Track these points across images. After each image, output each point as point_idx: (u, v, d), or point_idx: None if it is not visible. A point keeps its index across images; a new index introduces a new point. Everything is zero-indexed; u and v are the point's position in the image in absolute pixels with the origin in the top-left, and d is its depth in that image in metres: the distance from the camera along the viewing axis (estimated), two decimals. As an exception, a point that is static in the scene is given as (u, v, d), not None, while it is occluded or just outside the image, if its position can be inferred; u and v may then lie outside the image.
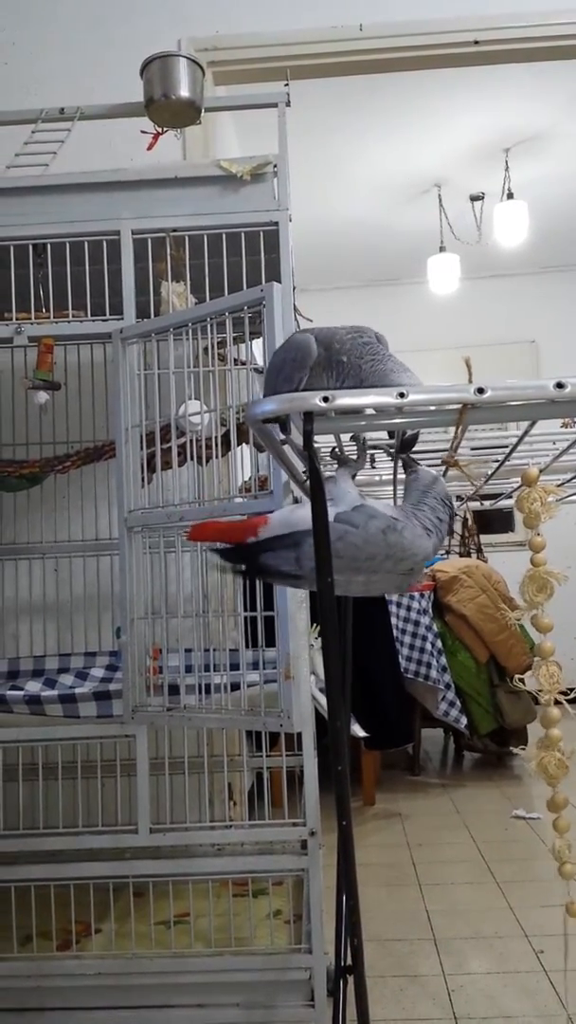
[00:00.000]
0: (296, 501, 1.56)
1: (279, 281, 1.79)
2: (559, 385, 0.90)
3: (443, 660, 4.10)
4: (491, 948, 2.34)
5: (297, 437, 1.03)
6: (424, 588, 4.26)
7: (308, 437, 0.96)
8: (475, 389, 0.91)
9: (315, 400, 0.93)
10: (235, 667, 1.72)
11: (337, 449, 1.20)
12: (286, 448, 1.14)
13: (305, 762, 1.59)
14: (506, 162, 4.85)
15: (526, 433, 1.09)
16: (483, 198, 5.28)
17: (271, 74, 2.65)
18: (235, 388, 1.86)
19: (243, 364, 2.01)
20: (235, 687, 1.64)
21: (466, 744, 4.52)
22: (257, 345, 2.09)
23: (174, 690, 1.67)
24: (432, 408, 0.94)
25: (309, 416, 0.95)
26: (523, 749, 1.24)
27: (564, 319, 6.59)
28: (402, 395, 0.92)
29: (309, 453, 0.96)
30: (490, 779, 4.24)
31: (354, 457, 1.19)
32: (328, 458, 1.24)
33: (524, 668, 4.25)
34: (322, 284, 6.34)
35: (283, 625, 1.50)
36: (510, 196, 4.95)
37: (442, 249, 5.45)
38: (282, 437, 1.03)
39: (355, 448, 1.22)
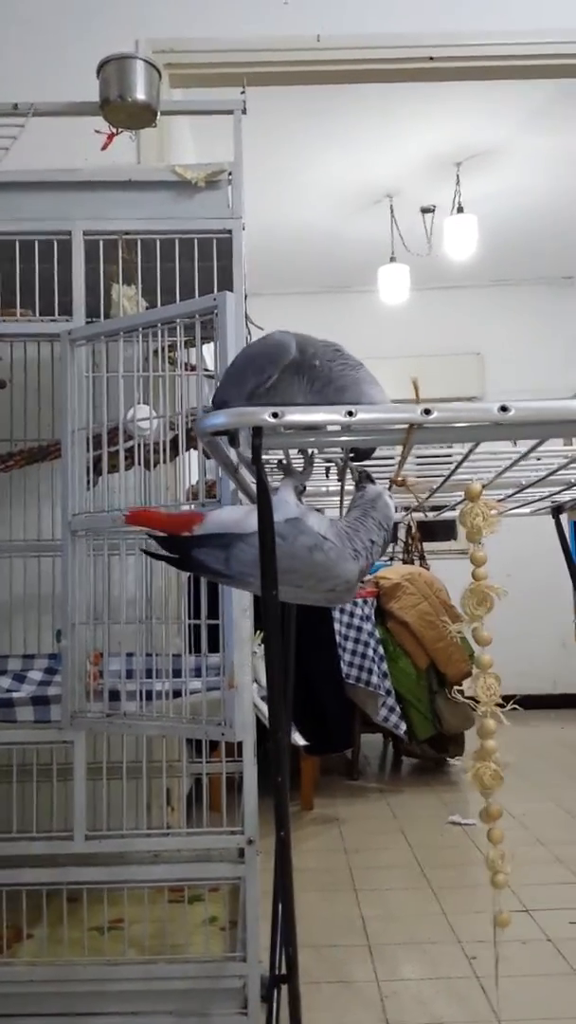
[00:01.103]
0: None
1: (231, 288, 1.80)
2: (503, 408, 0.92)
3: (384, 666, 4.14)
4: (424, 954, 2.36)
5: (246, 449, 1.04)
6: (367, 595, 4.29)
7: (256, 452, 0.96)
8: (422, 410, 0.92)
9: (264, 415, 0.94)
10: (177, 673, 1.72)
11: (284, 460, 1.21)
12: (235, 459, 1.14)
13: (245, 770, 1.60)
14: (457, 176, 4.92)
15: (470, 452, 1.11)
16: (434, 211, 5.35)
17: (228, 79, 2.65)
18: (185, 393, 1.85)
19: (193, 369, 2.01)
20: (177, 694, 1.64)
21: (405, 749, 4.56)
22: (208, 349, 2.09)
23: (115, 696, 1.66)
24: (380, 427, 0.95)
25: (258, 431, 0.96)
26: (459, 760, 1.26)
27: (510, 333, 6.70)
28: (351, 413, 0.93)
29: (257, 467, 0.97)
30: (427, 784, 4.29)
31: (300, 469, 1.20)
32: (276, 469, 1.25)
33: (463, 675, 4.31)
34: (274, 289, 6.35)
35: (228, 634, 1.51)
36: (460, 210, 5.02)
37: (392, 259, 5.50)
38: (231, 451, 1.04)
39: (303, 460, 1.23)
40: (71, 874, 1.61)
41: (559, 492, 1.56)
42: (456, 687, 1.31)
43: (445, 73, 2.80)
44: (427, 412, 0.93)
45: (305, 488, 1.25)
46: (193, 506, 1.76)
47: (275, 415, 0.94)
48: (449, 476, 1.29)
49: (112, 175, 1.79)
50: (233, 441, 1.02)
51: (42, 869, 1.61)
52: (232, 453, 1.08)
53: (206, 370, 2.16)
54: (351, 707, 4.09)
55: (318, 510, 1.19)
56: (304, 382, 1.10)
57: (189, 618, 1.73)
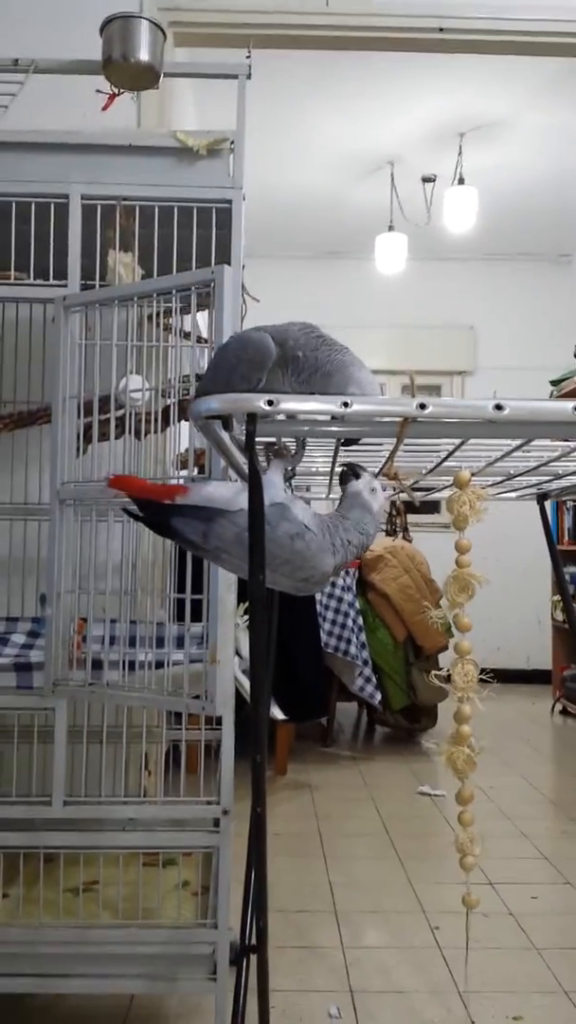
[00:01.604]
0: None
1: (229, 258, 1.78)
2: (498, 407, 0.93)
3: (363, 637, 4.18)
4: (389, 922, 2.42)
5: (239, 432, 1.04)
6: (349, 565, 4.32)
7: (250, 438, 0.97)
8: (417, 404, 0.93)
9: (259, 402, 0.94)
10: (160, 642, 1.73)
11: (277, 445, 1.21)
12: (227, 440, 1.14)
13: (223, 742, 1.61)
14: (460, 147, 4.87)
15: (463, 443, 1.11)
16: (435, 180, 5.30)
17: (234, 40, 2.60)
18: (178, 361, 1.85)
19: (188, 336, 1.99)
20: (159, 665, 1.65)
21: (378, 719, 4.62)
22: (202, 317, 2.07)
23: (97, 664, 1.67)
24: (374, 419, 0.96)
25: (252, 417, 0.96)
26: (434, 743, 1.28)
27: (503, 308, 6.68)
28: (346, 404, 0.94)
29: (250, 454, 0.97)
30: (399, 754, 4.35)
31: (292, 452, 1.21)
32: (266, 451, 1.25)
33: (440, 648, 4.37)
34: (270, 251, 6.29)
35: (212, 608, 1.52)
36: (461, 181, 4.97)
37: (391, 228, 5.45)
38: (224, 434, 1.04)
39: (295, 443, 1.23)
40: (48, 838, 1.64)
41: (547, 482, 1.58)
42: (434, 672, 1.33)
43: (454, 45, 2.76)
44: (422, 407, 0.93)
45: (295, 472, 1.26)
46: (182, 477, 1.76)
47: (270, 403, 0.94)
48: (438, 464, 1.30)
49: (112, 139, 1.76)
50: (227, 425, 1.02)
51: (20, 833, 1.63)
52: (225, 435, 1.08)
53: (201, 338, 2.15)
54: (328, 675, 4.13)
55: (305, 500, 1.20)
56: (288, 374, 1.09)
57: (174, 590, 1.74)
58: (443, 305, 6.68)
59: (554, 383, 5.70)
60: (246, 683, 1.87)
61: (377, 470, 1.28)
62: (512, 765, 4.15)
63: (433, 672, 1.41)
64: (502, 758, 4.26)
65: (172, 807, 1.64)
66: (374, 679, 4.17)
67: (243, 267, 1.87)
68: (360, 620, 4.19)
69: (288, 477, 1.20)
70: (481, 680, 1.36)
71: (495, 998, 1.96)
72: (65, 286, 1.75)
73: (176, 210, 1.75)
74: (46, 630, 1.68)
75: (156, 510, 1.17)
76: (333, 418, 0.97)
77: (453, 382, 6.80)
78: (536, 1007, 1.93)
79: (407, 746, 4.51)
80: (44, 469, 2.25)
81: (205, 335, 2.04)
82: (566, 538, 5.61)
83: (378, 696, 4.18)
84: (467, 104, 4.48)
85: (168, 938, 1.61)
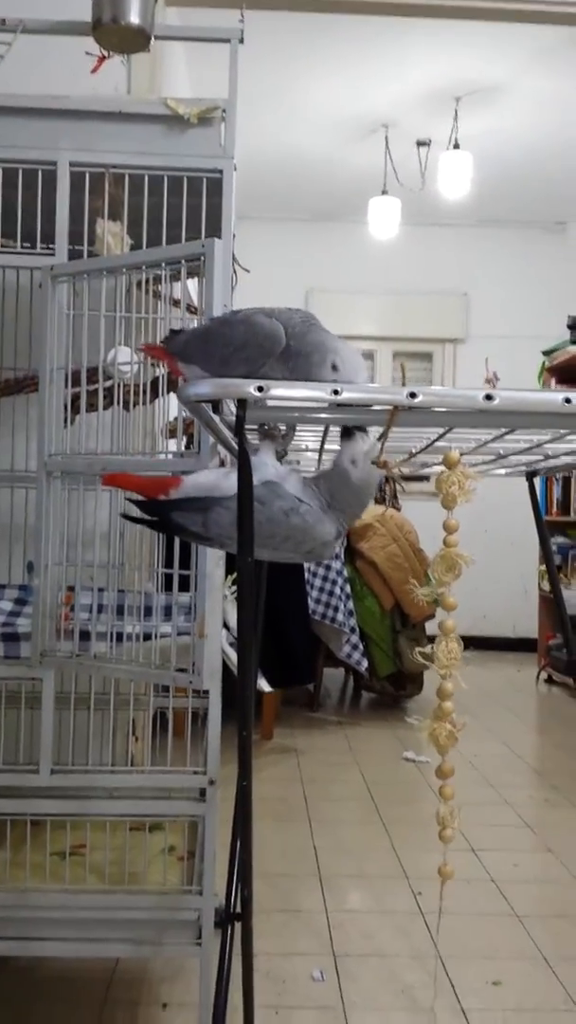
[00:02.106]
0: (223, 463, 1.57)
1: (219, 229, 1.76)
2: (488, 397, 0.92)
3: (350, 604, 4.21)
4: (372, 887, 2.47)
5: (229, 415, 1.04)
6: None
7: (240, 423, 0.97)
8: (408, 393, 0.92)
9: (249, 388, 0.94)
10: (148, 611, 1.74)
11: (267, 425, 1.21)
12: (216, 419, 1.14)
13: (210, 713, 1.63)
14: (456, 111, 4.80)
15: (447, 431, 1.11)
16: (429, 144, 5.24)
17: (227, 1, 2.54)
18: (167, 322, 1.83)
19: (177, 303, 1.98)
20: (147, 637, 1.66)
21: (365, 685, 4.67)
22: (192, 284, 2.05)
23: (85, 635, 1.68)
24: (364, 407, 0.95)
25: (242, 403, 0.96)
26: (418, 720, 1.31)
27: (497, 275, 6.64)
28: (336, 392, 0.94)
29: (240, 440, 0.97)
30: (384, 720, 4.40)
31: (282, 433, 1.21)
32: (258, 431, 1.25)
33: (427, 616, 4.40)
34: (262, 213, 6.22)
35: (200, 583, 1.52)
36: (456, 146, 4.92)
37: (384, 192, 5.39)
38: (214, 416, 1.03)
39: (284, 425, 1.23)
40: (35, 806, 1.65)
41: (537, 461, 1.58)
42: (418, 649, 1.35)
43: (453, 11, 2.71)
44: (412, 395, 0.93)
45: (286, 452, 1.26)
46: (172, 453, 1.76)
47: (260, 389, 0.94)
48: (428, 446, 1.30)
49: (102, 105, 1.73)
50: (216, 408, 1.02)
51: (6, 800, 1.65)
52: (215, 416, 1.08)
53: (191, 307, 2.13)
54: (315, 642, 4.16)
55: (297, 471, 1.20)
56: (281, 362, 1.09)
57: (161, 564, 1.75)
58: (436, 271, 6.63)
59: (546, 353, 5.69)
60: (233, 656, 1.88)
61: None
62: (496, 733, 4.21)
63: (417, 650, 1.42)
64: (486, 726, 4.32)
65: (159, 776, 1.66)
66: (361, 646, 4.21)
67: (233, 236, 1.85)
68: (348, 588, 4.21)
69: (279, 458, 1.20)
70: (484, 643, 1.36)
71: (475, 963, 2.01)
72: (52, 253, 1.73)
73: (166, 179, 1.73)
74: (33, 599, 1.69)
75: (155, 508, 1.18)
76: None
77: (445, 350, 6.78)
78: (515, 972, 1.98)
79: (392, 712, 4.56)
80: (31, 437, 2.25)
81: (196, 303, 2.03)
82: (554, 509, 5.64)
83: (364, 663, 4.22)
84: (464, 68, 4.41)
85: (154, 903, 1.63)
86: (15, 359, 2.23)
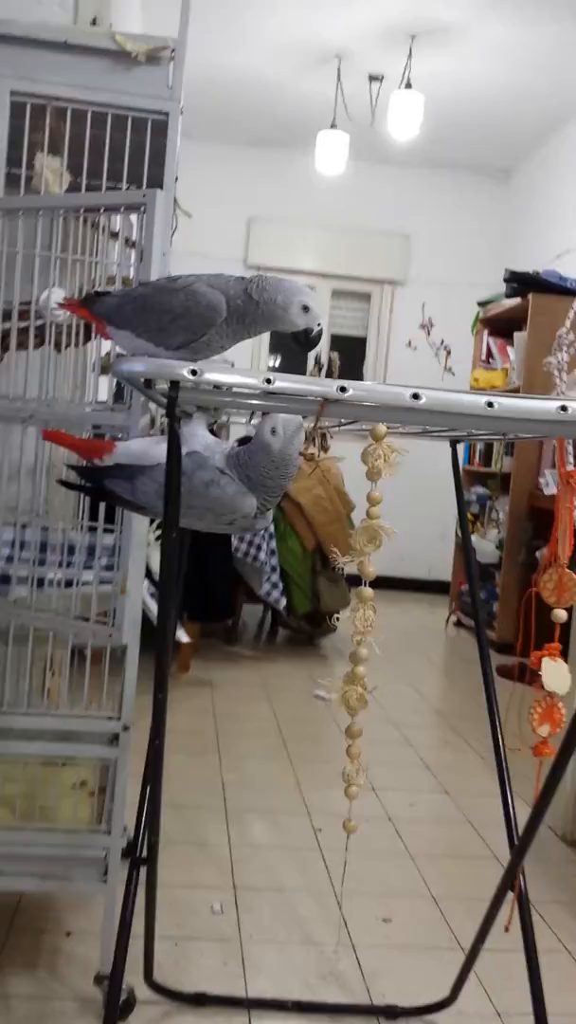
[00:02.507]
0: (153, 420, 1.58)
1: (163, 170, 1.73)
2: (415, 396, 0.95)
3: (273, 543, 4.27)
4: (276, 823, 2.57)
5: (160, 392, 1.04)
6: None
7: (171, 404, 0.98)
8: (338, 387, 0.95)
9: (183, 371, 0.95)
10: (70, 550, 1.75)
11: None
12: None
13: (126, 666, 1.66)
14: (410, 49, 4.71)
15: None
16: (382, 80, 5.14)
17: None
18: (102, 270, 1.80)
19: (116, 236, 1.94)
20: (68, 584, 1.68)
21: (282, 622, 4.77)
22: (134, 217, 2.01)
23: (5, 579, 1.68)
24: (295, 397, 0.97)
25: (175, 385, 0.97)
26: (326, 690, 1.36)
27: (440, 219, 6.63)
28: (268, 380, 0.95)
29: (170, 419, 0.98)
30: (299, 656, 4.52)
31: (214, 407, 1.22)
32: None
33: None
34: (209, 133, 6.05)
35: (125, 541, 1.54)
36: (408, 85, 4.84)
37: (333, 126, 5.29)
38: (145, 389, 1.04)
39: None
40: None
41: (463, 434, 1.62)
42: (336, 616, 1.41)
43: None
44: (343, 390, 0.95)
45: (216, 423, 1.28)
46: (99, 410, 1.74)
47: (194, 372, 0.95)
48: (354, 421, 1.33)
49: (48, 34, 1.65)
50: (148, 384, 1.03)
51: None
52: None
53: (129, 240, 2.09)
54: (236, 579, 4.22)
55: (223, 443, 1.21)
56: (233, 322, 1.10)
57: (86, 513, 1.75)
58: (380, 211, 6.58)
59: (481, 304, 5.73)
60: (153, 607, 1.91)
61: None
62: (404, 673, 4.36)
63: (335, 617, 1.48)
64: (395, 664, 4.47)
65: (75, 720, 1.70)
66: (281, 585, 4.29)
67: (176, 179, 1.82)
68: (272, 527, 4.26)
69: (210, 430, 1.22)
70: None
71: (368, 900, 2.13)
72: (-12, 188, 1.67)
73: (110, 117, 1.68)
74: (-45, 542, 1.68)
75: (90, 477, 1.19)
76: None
77: (384, 291, 6.76)
78: (404, 910, 2.10)
79: (307, 649, 4.68)
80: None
81: (135, 238, 1.99)
82: (476, 460, 5.76)
83: (283, 601, 4.30)
84: (421, 5, 4.31)
85: (63, 841, 1.69)
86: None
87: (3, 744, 1.71)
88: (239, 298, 1.12)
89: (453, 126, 5.70)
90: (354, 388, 0.96)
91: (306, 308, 1.09)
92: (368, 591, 1.52)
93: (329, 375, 5.94)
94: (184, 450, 1.11)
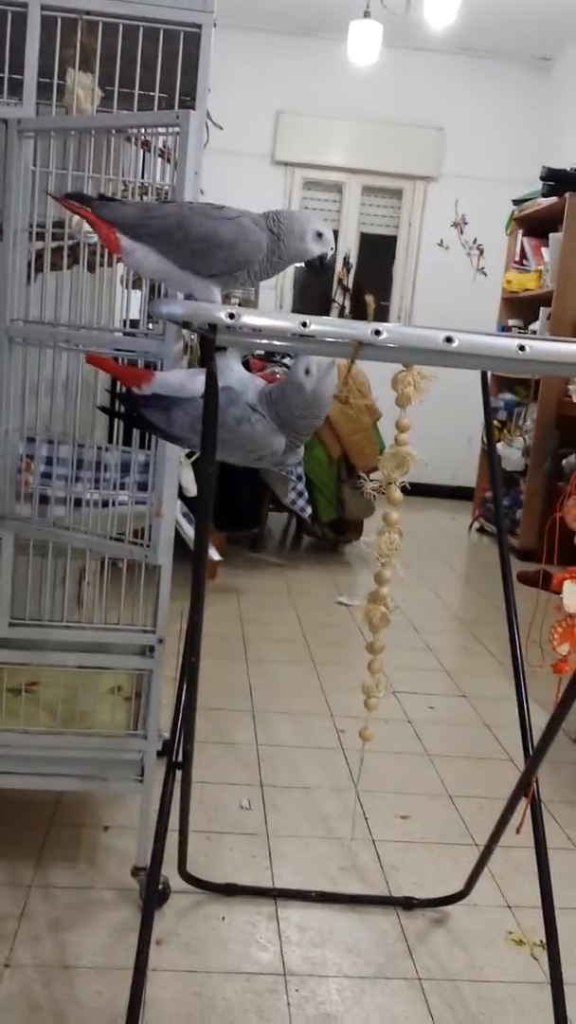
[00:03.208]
0: (187, 346, 1.60)
1: (195, 81, 1.70)
2: (448, 339, 0.98)
3: (300, 452, 4.30)
4: (300, 724, 2.69)
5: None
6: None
7: (209, 346, 1.01)
8: (372, 330, 0.97)
9: (221, 314, 0.97)
10: (104, 469, 1.80)
11: None
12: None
13: (161, 581, 1.73)
14: None
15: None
16: (419, -38, 4.87)
17: None
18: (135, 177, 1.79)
19: (146, 145, 1.92)
20: (104, 504, 1.73)
21: (306, 530, 4.84)
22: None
23: (43, 499, 1.74)
24: (330, 340, 1.00)
25: (212, 327, 0.99)
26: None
27: (475, 110, 6.38)
28: (305, 324, 0.98)
29: (209, 363, 1.01)
30: (323, 564, 4.61)
31: None
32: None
33: (371, 468, 4.52)
34: (238, 20, 5.80)
35: (160, 467, 1.58)
36: (447, -32, 4.59)
37: (367, 15, 5.05)
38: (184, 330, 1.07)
39: None
40: (-9, 655, 1.77)
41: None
42: (364, 539, 1.46)
43: None
44: (377, 333, 0.98)
45: (252, 357, 1.30)
46: (135, 298, 1.75)
47: (231, 315, 0.97)
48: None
49: (77, -58, 1.61)
50: (187, 324, 1.05)
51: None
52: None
53: (164, 152, 2.06)
54: (262, 488, 4.28)
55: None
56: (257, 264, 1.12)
57: (120, 438, 1.79)
58: (414, 103, 6.33)
59: (516, 202, 5.56)
60: (186, 527, 1.97)
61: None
62: (426, 580, 4.45)
63: (362, 540, 1.53)
64: (417, 572, 4.55)
65: (112, 633, 1.78)
66: (306, 494, 4.34)
67: (208, 91, 1.78)
68: (297, 435, 4.29)
69: (244, 361, 1.24)
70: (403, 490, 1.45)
71: (387, 798, 2.25)
72: (19, 104, 1.65)
73: (141, 30, 1.64)
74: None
75: (128, 401, 1.22)
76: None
77: (416, 187, 6.57)
78: (422, 808, 2.23)
79: (331, 556, 4.76)
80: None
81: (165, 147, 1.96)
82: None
83: (309, 510, 4.36)
84: None
85: (101, 744, 1.79)
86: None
87: (43, 655, 1.80)
88: (268, 236, 1.13)
89: (492, 12, 5.42)
90: (388, 331, 0.98)
91: (319, 234, 1.12)
92: (394, 515, 1.56)
93: (361, 316, 5.85)
94: (219, 384, 1.14)
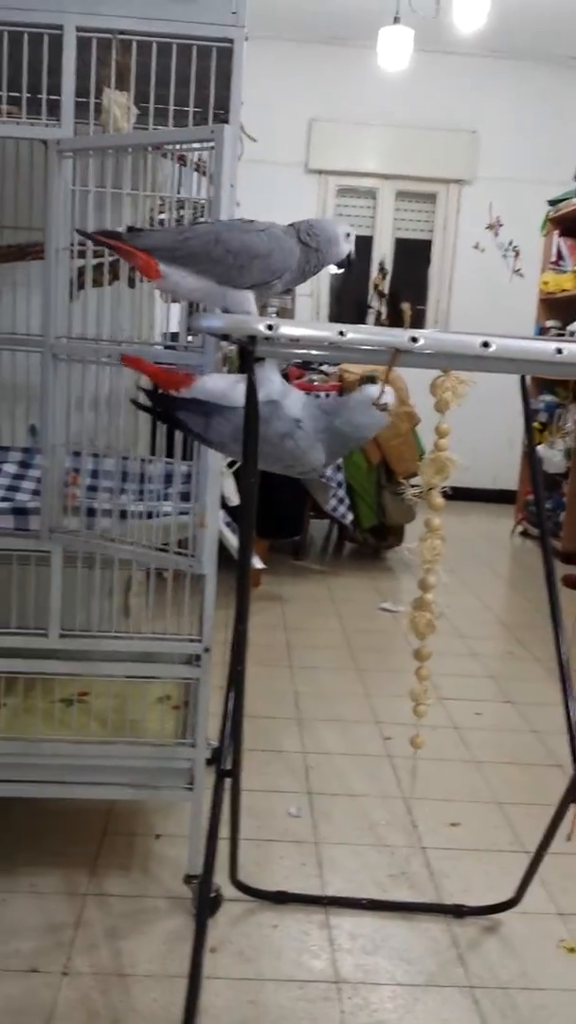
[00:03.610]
0: (225, 358, 1.61)
1: (228, 97, 1.72)
2: (485, 344, 0.98)
3: (339, 459, 4.31)
4: (346, 731, 2.69)
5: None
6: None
7: (248, 357, 1.02)
8: (409, 337, 0.98)
9: (260, 326, 0.99)
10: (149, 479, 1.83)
11: None
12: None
13: (206, 589, 1.75)
14: None
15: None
16: (448, -34, 4.87)
17: None
18: (173, 209, 1.82)
19: (182, 160, 1.94)
20: (149, 515, 1.76)
21: (348, 536, 4.84)
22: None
23: (90, 512, 1.77)
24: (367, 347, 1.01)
25: (252, 339, 1.01)
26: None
27: (507, 112, 6.35)
28: (342, 333, 0.99)
29: (248, 372, 1.02)
30: (365, 570, 4.60)
31: None
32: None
33: (411, 473, 4.51)
34: (266, 31, 5.83)
35: (203, 477, 1.60)
36: (476, -29, 4.58)
37: (396, 20, 5.06)
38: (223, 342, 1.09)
39: None
40: (43, 665, 1.80)
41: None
42: (407, 546, 1.46)
43: None
44: (413, 340, 0.98)
45: (290, 366, 1.32)
46: (176, 348, 1.77)
47: (270, 327, 0.99)
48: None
49: (110, -36, 1.64)
50: (226, 337, 1.07)
51: (18, 659, 1.79)
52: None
53: (200, 166, 2.09)
54: (303, 495, 4.29)
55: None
56: (303, 263, 1.14)
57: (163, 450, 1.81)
58: (446, 107, 6.32)
59: (551, 203, 5.53)
60: (229, 537, 1.99)
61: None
62: (469, 585, 4.42)
63: (405, 546, 1.53)
64: (460, 577, 4.52)
65: (159, 643, 1.80)
66: (347, 500, 4.35)
67: (241, 103, 1.80)
68: (337, 443, 4.29)
69: (282, 372, 1.26)
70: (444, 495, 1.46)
71: (436, 805, 2.24)
72: (58, 124, 1.69)
73: (175, 47, 1.67)
74: (42, 477, 1.76)
75: (164, 402, 1.24)
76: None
77: (449, 191, 6.55)
78: (471, 815, 2.21)
79: (373, 563, 4.76)
80: (32, 300, 2.25)
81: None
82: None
83: (350, 516, 4.37)
84: None
85: (152, 753, 1.81)
86: (16, 219, 2.20)
87: (93, 665, 1.83)
88: (298, 245, 1.16)
89: (521, 13, 5.39)
90: (425, 338, 0.98)
91: (348, 234, 1.17)
92: (436, 521, 1.56)
93: (398, 323, 5.85)
94: (262, 396, 1.16)
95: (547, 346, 0.99)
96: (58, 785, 1.79)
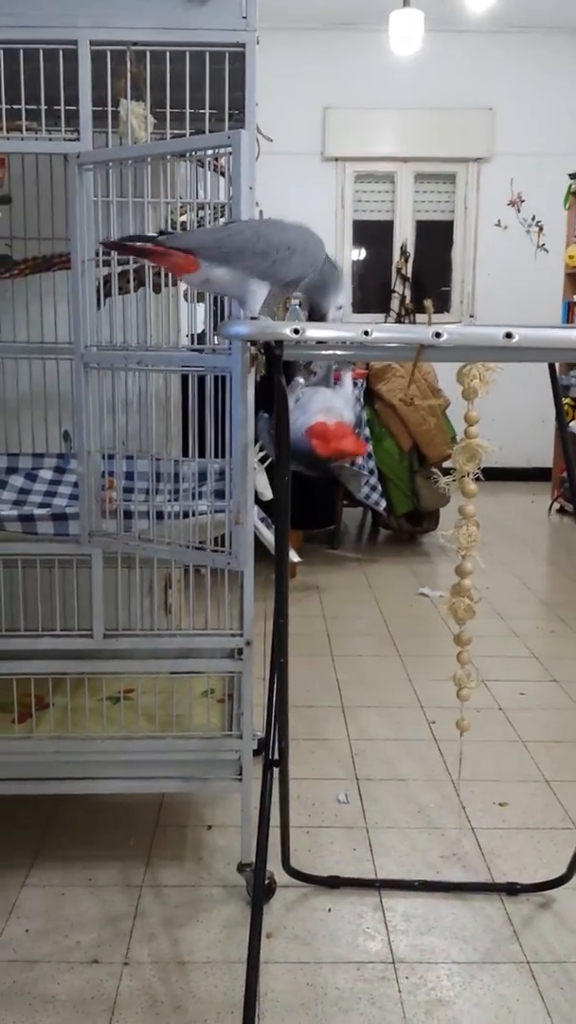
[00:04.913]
0: (254, 360, 1.64)
1: (243, 100, 1.74)
2: (508, 335, 1.00)
3: (369, 446, 4.32)
4: (390, 716, 2.72)
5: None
6: (357, 375, 4.38)
7: (276, 361, 1.05)
8: (433, 333, 1.00)
9: (286, 330, 1.01)
10: (181, 479, 1.87)
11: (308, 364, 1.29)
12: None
13: (244, 583, 1.78)
14: None
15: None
16: (456, -56, 4.83)
17: None
18: (195, 215, 1.85)
19: (202, 164, 1.97)
20: (185, 515, 1.79)
21: (382, 522, 4.85)
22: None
23: (127, 514, 1.81)
24: (392, 345, 1.03)
25: (279, 343, 1.04)
26: (429, 591, 1.46)
27: (524, 86, 6.29)
28: (367, 332, 1.01)
29: (277, 376, 1.05)
30: (401, 556, 4.61)
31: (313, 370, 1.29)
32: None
33: (443, 457, 4.51)
34: (275, 22, 5.84)
35: (236, 476, 1.63)
36: (485, -53, 4.55)
37: (406, 3, 5.03)
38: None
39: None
40: (89, 665, 1.84)
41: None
42: (442, 533, 1.48)
43: None
44: (438, 335, 1.00)
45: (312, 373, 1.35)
46: (203, 352, 1.79)
47: (296, 331, 1.01)
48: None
49: (118, -25, 1.66)
50: (254, 342, 1.10)
51: (65, 660, 1.84)
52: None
53: (219, 166, 2.11)
54: (336, 485, 4.31)
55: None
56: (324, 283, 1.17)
57: (194, 450, 1.84)
58: (461, 84, 6.27)
59: (573, 176, 5.47)
60: (265, 532, 2.02)
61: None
62: (508, 565, 4.42)
63: (441, 534, 1.55)
64: (499, 557, 4.52)
65: (201, 639, 1.84)
66: (379, 487, 4.36)
67: (256, 105, 1.82)
68: (367, 431, 4.31)
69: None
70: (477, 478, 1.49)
71: (484, 786, 2.26)
72: (77, 137, 1.72)
73: (188, 55, 1.69)
74: (80, 483, 1.81)
75: (322, 466, 1.28)
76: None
77: (468, 170, 6.51)
78: (520, 794, 2.23)
79: (409, 548, 4.77)
80: (58, 309, 2.30)
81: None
82: None
83: (383, 503, 4.38)
84: None
85: (199, 746, 1.85)
86: (39, 230, 2.24)
87: (137, 663, 1.87)
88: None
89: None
90: (448, 332, 1.00)
91: (339, 307, 1.21)
92: (470, 508, 1.59)
93: (421, 307, 5.82)
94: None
95: (570, 334, 1.01)
96: (109, 781, 1.84)
